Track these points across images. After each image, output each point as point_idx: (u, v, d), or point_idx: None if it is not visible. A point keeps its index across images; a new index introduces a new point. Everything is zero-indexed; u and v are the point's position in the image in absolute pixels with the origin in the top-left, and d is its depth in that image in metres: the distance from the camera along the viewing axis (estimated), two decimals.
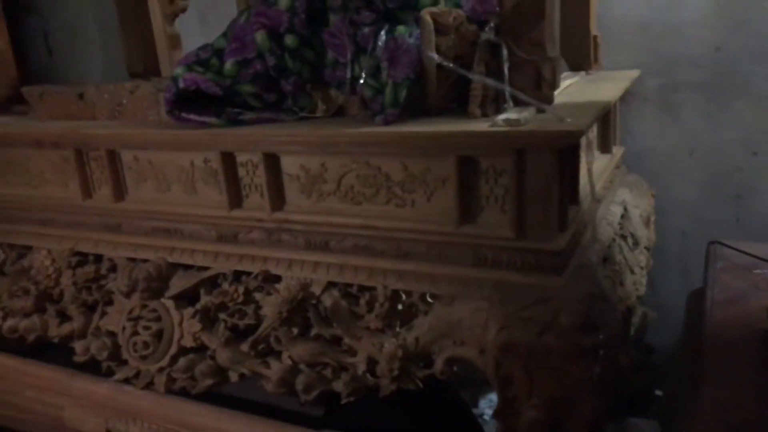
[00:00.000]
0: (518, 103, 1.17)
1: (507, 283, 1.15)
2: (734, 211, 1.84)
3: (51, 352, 1.70)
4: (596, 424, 1.11)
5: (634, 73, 1.72)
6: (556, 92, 1.27)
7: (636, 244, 1.53)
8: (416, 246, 1.23)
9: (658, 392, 1.77)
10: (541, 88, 1.17)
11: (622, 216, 1.52)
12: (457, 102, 1.24)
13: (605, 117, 1.60)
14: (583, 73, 1.70)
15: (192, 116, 1.33)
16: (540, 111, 1.16)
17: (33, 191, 1.68)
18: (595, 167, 1.51)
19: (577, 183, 1.24)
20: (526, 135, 1.07)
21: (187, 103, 1.34)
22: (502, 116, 1.10)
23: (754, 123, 1.74)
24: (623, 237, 1.47)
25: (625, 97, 1.88)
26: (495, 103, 1.20)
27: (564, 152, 1.11)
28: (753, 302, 1.36)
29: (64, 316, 1.63)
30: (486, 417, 1.95)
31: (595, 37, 1.73)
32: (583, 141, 1.33)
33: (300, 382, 1.28)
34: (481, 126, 1.11)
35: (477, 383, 1.99)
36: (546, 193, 1.11)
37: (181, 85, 1.30)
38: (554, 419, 1.12)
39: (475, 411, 1.94)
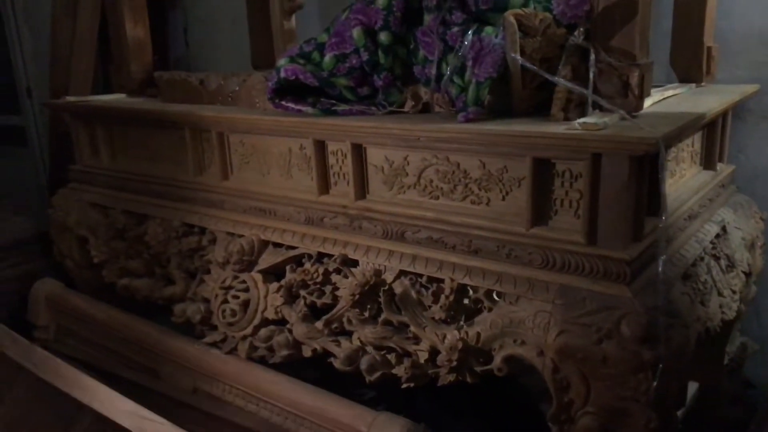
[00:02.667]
0: (604, 109, 1.16)
1: (572, 288, 1.14)
2: None
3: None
4: None
5: (750, 88, 1.63)
6: (648, 101, 1.25)
7: (731, 266, 1.45)
8: (487, 243, 1.25)
9: None
10: (627, 96, 1.16)
11: (718, 236, 1.45)
12: (542, 104, 1.25)
13: (710, 131, 1.53)
14: (693, 85, 1.63)
15: (290, 104, 1.43)
16: (623, 118, 1.14)
17: (153, 166, 1.86)
18: (694, 183, 1.46)
19: (660, 194, 1.20)
20: (601, 139, 1.06)
21: (287, 92, 1.44)
22: (581, 120, 1.09)
23: None
24: (716, 257, 1.40)
25: (742, 113, 1.78)
26: (580, 107, 1.19)
27: (642, 160, 1.09)
28: None
29: (168, 280, 1.79)
30: None
31: (709, 49, 1.65)
32: (672, 152, 1.29)
33: (365, 363, 1.33)
34: (557, 128, 1.11)
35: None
36: (620, 200, 1.10)
37: (283, 75, 1.40)
38: (608, 429, 1.10)
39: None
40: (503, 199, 1.24)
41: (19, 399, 1.61)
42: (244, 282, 1.57)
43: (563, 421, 1.15)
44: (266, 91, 1.57)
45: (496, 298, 1.24)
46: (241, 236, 1.62)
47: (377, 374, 1.32)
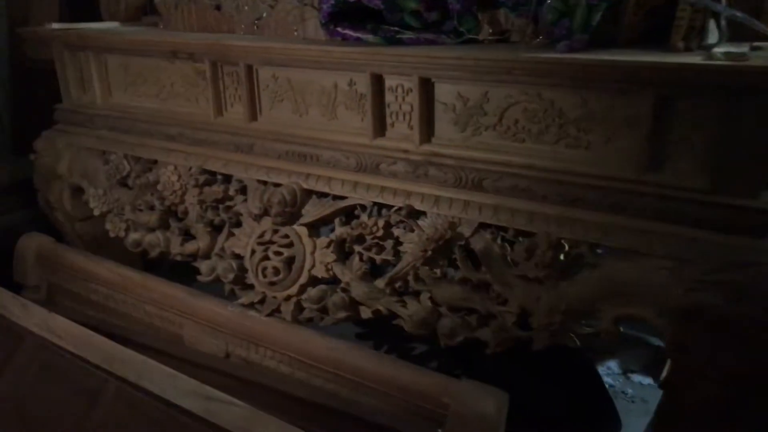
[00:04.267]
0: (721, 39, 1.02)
1: (697, 241, 1.02)
2: None
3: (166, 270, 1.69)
4: None
5: None
6: None
7: None
8: (588, 192, 1.11)
9: None
10: (759, 19, 1.02)
11: None
12: (650, 33, 1.10)
13: None
14: None
15: (348, 31, 1.24)
16: (755, 48, 1.00)
17: (162, 104, 1.63)
18: None
19: None
20: (752, 72, 0.91)
21: (342, 18, 1.24)
22: (720, 49, 0.95)
23: None
24: None
25: None
26: (700, 35, 1.04)
27: None
28: None
29: (186, 234, 1.60)
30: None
31: None
32: None
33: (444, 327, 1.19)
34: (693, 59, 0.97)
35: (597, 350, 1.89)
36: (761, 143, 0.97)
37: None
38: (732, 398, 1.00)
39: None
40: (607, 142, 1.09)
41: (25, 370, 1.42)
42: (286, 236, 1.39)
43: (680, 388, 1.05)
44: (307, 18, 1.37)
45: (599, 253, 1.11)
46: (278, 185, 1.43)
47: (459, 339, 1.19)
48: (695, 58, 0.96)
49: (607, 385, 1.83)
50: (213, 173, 1.56)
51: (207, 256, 1.53)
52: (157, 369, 1.19)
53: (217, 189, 1.52)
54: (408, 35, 1.23)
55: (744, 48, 0.96)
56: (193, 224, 1.56)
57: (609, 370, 1.87)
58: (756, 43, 1.02)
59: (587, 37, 1.07)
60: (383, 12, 1.23)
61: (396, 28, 1.23)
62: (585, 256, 1.11)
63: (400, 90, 1.27)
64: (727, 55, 0.93)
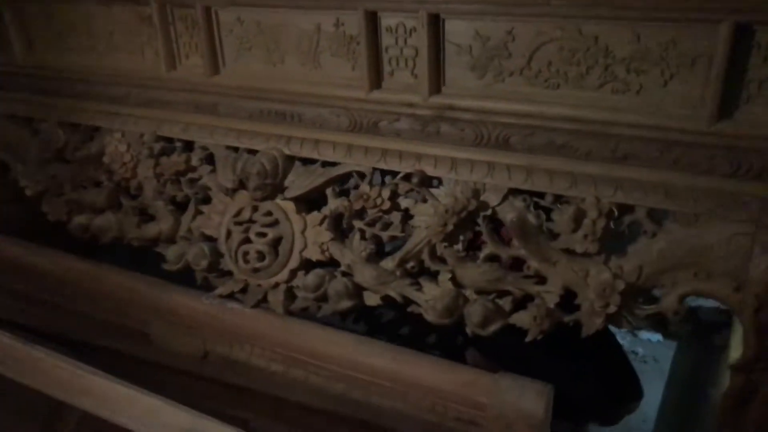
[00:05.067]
0: None
1: None
2: None
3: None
4: None
5: None
6: None
7: None
8: (643, 147, 0.93)
9: None
10: None
11: None
12: None
13: None
14: None
15: None
16: None
17: (99, 59, 1.34)
18: None
19: None
20: None
21: None
22: None
23: None
24: None
25: None
26: None
27: None
28: None
29: (144, 215, 1.35)
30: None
31: None
32: None
33: (475, 314, 1.01)
34: None
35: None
36: None
37: None
38: None
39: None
40: (665, 84, 0.90)
41: None
42: (269, 213, 1.17)
43: (759, 371, 0.90)
44: None
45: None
46: (253, 152, 1.20)
47: (493, 327, 1.01)
48: None
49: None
50: (170, 140, 1.30)
51: (172, 239, 1.29)
52: (128, 397, 0.96)
53: (176, 159, 1.27)
54: None
55: None
56: (151, 202, 1.31)
57: (616, 330, 1.75)
58: None
59: None
60: None
61: None
62: (643, 223, 0.93)
63: (401, 30, 1.04)
64: None
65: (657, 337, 1.70)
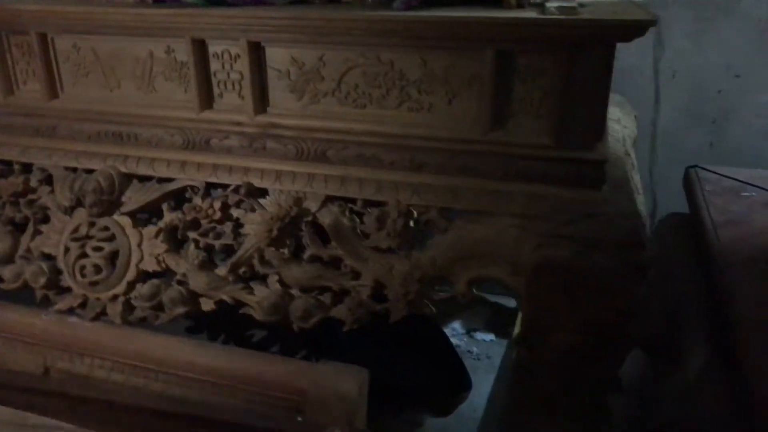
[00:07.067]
0: None
1: (543, 197, 1.03)
2: (708, 136, 1.81)
3: None
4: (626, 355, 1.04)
5: None
6: None
7: (633, 165, 1.46)
8: (434, 156, 1.08)
9: None
10: None
11: (622, 135, 1.44)
12: None
13: None
14: None
15: None
16: (581, 5, 1.02)
17: None
18: None
19: (609, 88, 1.11)
20: (586, 26, 0.93)
21: None
22: (554, 3, 0.95)
23: (741, 45, 1.69)
24: (627, 155, 1.39)
25: None
26: None
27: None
28: (756, 223, 1.33)
29: None
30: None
31: None
32: None
33: (297, 309, 1.11)
34: (528, 14, 0.96)
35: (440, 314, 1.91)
36: (594, 95, 0.99)
37: None
38: (589, 346, 1.03)
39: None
40: (449, 102, 1.06)
41: None
42: (106, 229, 1.22)
43: (533, 343, 1.06)
44: None
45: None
46: (90, 171, 1.25)
47: (313, 320, 1.11)
48: (530, 13, 0.96)
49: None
50: (9, 163, 1.33)
51: (10, 259, 1.30)
52: None
53: (15, 180, 1.29)
54: None
55: (573, 2, 0.97)
56: None
57: (454, 331, 1.91)
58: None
59: None
60: None
61: None
62: (436, 221, 1.08)
63: (226, 56, 1.15)
64: (560, 10, 0.93)
65: (490, 336, 1.88)
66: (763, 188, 1.49)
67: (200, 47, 1.14)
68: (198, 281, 1.17)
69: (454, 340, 1.89)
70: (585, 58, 0.97)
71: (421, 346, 1.52)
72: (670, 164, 1.82)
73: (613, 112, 1.52)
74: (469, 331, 1.92)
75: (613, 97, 1.66)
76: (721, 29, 1.70)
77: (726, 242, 1.28)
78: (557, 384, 1.05)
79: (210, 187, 1.21)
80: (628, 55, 1.78)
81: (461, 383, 1.53)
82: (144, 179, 1.25)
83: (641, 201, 1.34)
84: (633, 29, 0.91)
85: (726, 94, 1.76)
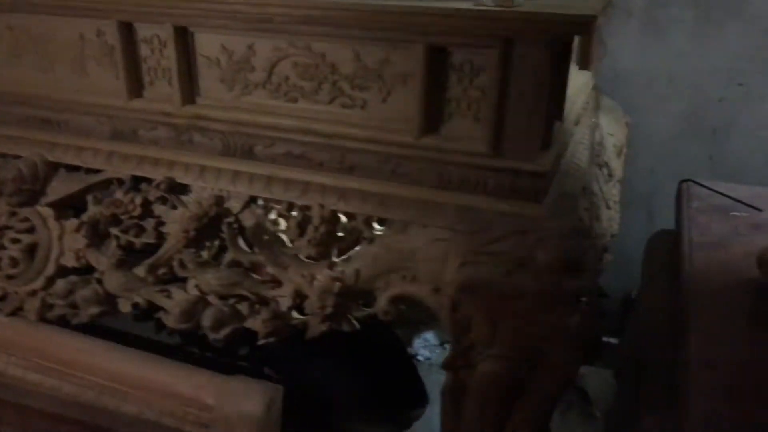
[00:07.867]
0: None
1: (475, 210, 0.93)
2: (708, 147, 1.68)
3: None
4: (570, 383, 0.93)
5: None
6: None
7: (611, 176, 1.34)
8: (365, 158, 0.98)
9: (611, 340, 1.62)
10: None
11: (599, 143, 1.32)
12: None
13: None
14: None
15: None
16: None
17: None
18: (575, 84, 1.29)
19: (564, 94, 1.01)
20: (522, 18, 0.82)
21: None
22: None
23: (745, 50, 1.55)
24: (599, 166, 1.27)
25: (607, 10, 1.66)
26: None
27: (557, 49, 0.88)
28: (736, 248, 1.21)
29: None
30: (420, 358, 1.78)
31: None
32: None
33: (208, 317, 1.03)
34: (462, 4, 0.86)
35: (412, 321, 1.81)
36: (534, 99, 0.88)
37: None
38: (517, 375, 0.93)
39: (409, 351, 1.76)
40: (384, 100, 0.96)
41: None
42: (26, 220, 1.15)
43: (461, 368, 0.96)
44: None
45: (377, 226, 0.99)
46: (15, 157, 1.19)
47: (226, 330, 1.03)
48: (464, 4, 0.86)
49: (423, 358, 1.77)
50: None
51: None
52: None
53: None
54: None
55: None
56: None
57: (426, 342, 1.81)
58: None
59: None
60: None
61: None
62: (361, 230, 0.98)
63: (156, 41, 1.07)
64: (496, 0, 0.83)
65: None
66: (755, 208, 1.36)
67: (128, 31, 1.07)
68: (113, 281, 1.09)
69: (425, 352, 1.79)
70: (525, 55, 0.86)
71: (374, 359, 1.42)
72: (666, 177, 1.68)
73: (596, 119, 1.40)
74: (443, 343, 1.81)
75: (604, 102, 1.56)
76: (724, 32, 1.56)
77: (699, 268, 1.15)
78: (480, 415, 0.94)
79: (139, 180, 1.14)
80: (622, 57, 1.66)
81: (417, 398, 1.43)
82: (72, 169, 1.18)
83: (609, 217, 1.23)
84: (573, 25, 0.81)
85: (728, 103, 1.62)
